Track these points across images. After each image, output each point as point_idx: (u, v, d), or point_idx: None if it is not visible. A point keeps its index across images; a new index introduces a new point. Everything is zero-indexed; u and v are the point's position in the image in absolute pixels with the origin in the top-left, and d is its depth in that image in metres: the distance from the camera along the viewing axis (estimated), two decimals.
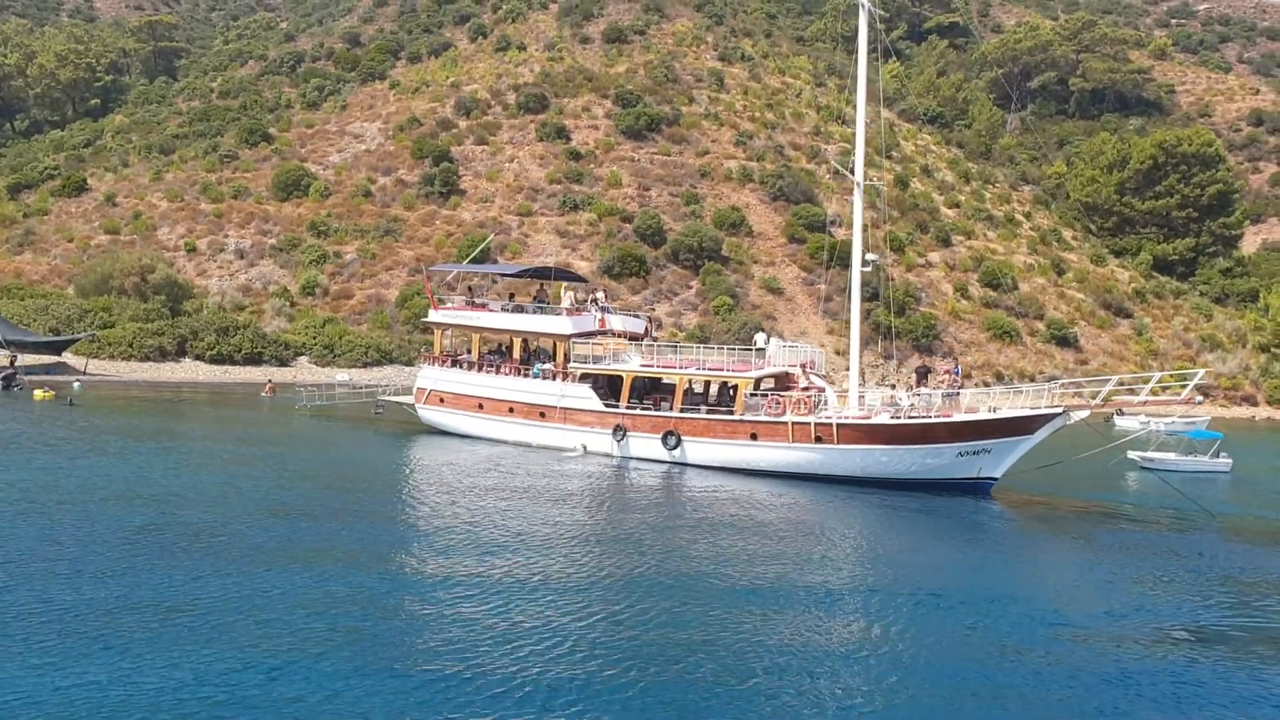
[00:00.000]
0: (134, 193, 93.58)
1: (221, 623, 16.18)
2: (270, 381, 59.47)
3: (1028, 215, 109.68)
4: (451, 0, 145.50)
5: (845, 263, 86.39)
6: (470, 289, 46.90)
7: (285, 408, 51.10)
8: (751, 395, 36.85)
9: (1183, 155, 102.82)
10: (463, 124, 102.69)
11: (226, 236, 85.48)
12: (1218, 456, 42.66)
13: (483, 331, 43.36)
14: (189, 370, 62.66)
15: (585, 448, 38.63)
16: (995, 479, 34.44)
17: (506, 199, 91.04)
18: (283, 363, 67.19)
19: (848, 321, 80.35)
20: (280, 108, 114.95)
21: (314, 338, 70.10)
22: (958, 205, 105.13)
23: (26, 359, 56.91)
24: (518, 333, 42.53)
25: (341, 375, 64.29)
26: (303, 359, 68.74)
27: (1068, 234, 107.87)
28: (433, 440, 41.51)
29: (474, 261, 77.66)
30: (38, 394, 48.88)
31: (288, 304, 75.85)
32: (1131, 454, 43.76)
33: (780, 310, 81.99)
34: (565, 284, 45.41)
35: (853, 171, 39.13)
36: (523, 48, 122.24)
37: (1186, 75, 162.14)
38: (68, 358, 59.96)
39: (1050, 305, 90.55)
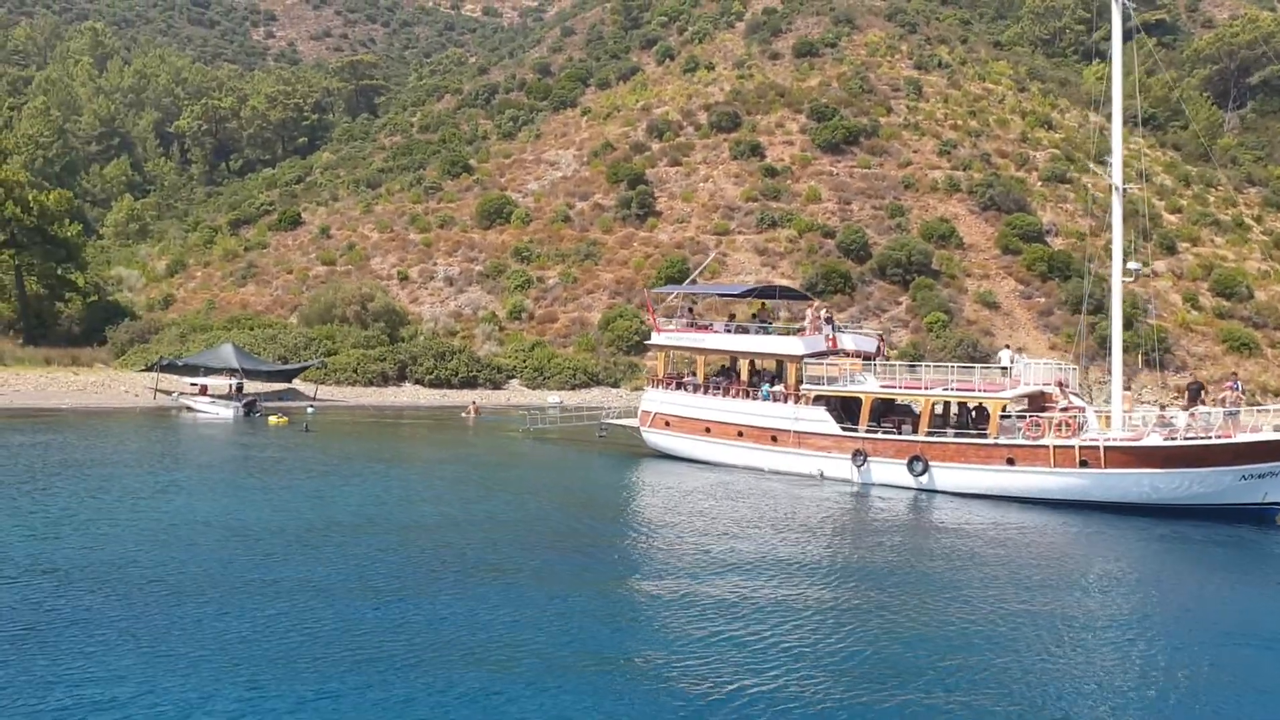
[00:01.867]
0: (346, 225, 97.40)
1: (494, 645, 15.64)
2: (474, 403, 60.05)
3: (1258, 219, 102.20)
4: (638, 25, 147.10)
5: (1064, 274, 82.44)
6: (691, 310, 46.05)
7: (494, 429, 51.68)
8: (1004, 417, 34.64)
9: None
10: (655, 146, 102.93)
11: (435, 265, 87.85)
12: None
13: (708, 353, 42.42)
14: (410, 394, 64.20)
15: (822, 473, 37.05)
16: None
17: (703, 219, 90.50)
18: (496, 385, 68.17)
19: (1070, 336, 76.51)
20: (477, 139, 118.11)
21: (524, 361, 71.01)
22: (1179, 210, 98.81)
23: (259, 386, 59.27)
24: (746, 354, 41.41)
25: (553, 397, 64.68)
26: (514, 381, 69.61)
27: None
28: (660, 464, 40.73)
29: (677, 283, 77.26)
30: (272, 420, 50.63)
31: (496, 328, 77.24)
32: None
33: (997, 325, 78.42)
34: (811, 303, 44.19)
35: (1112, 174, 36.37)
36: (711, 67, 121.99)
37: None
38: (296, 384, 62.22)
39: None
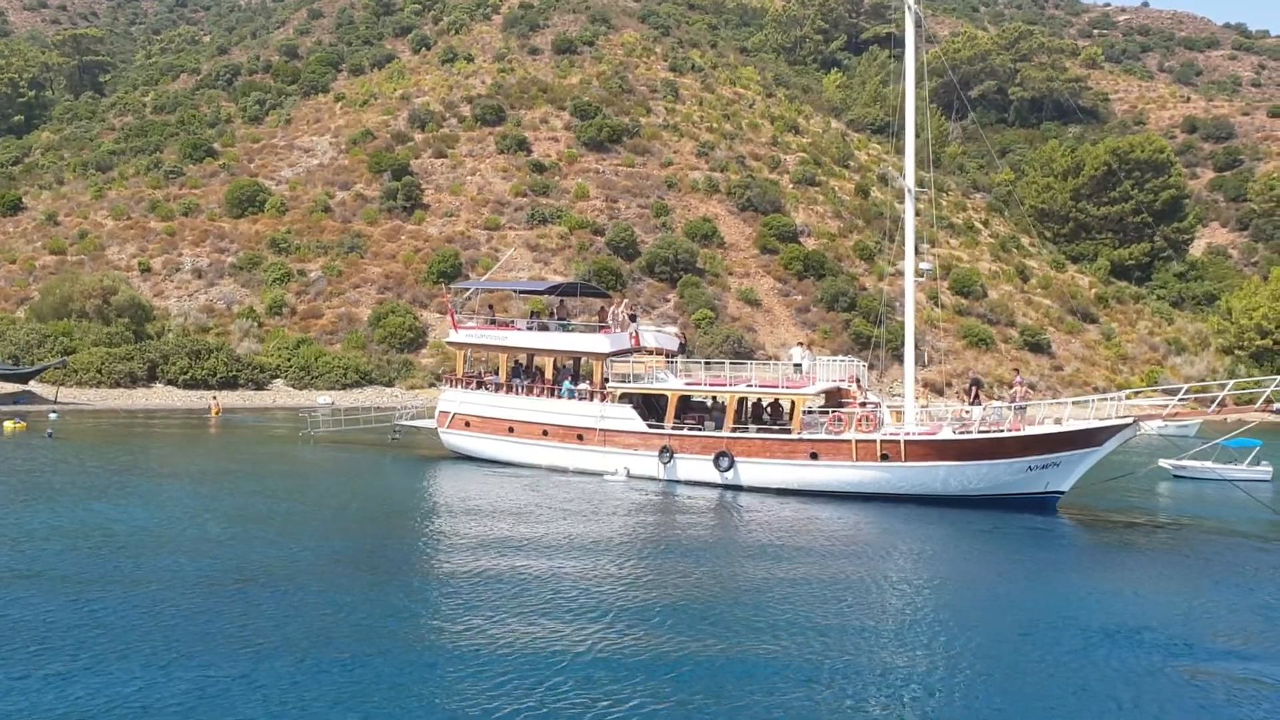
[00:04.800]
0: (76, 211, 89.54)
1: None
2: (215, 399, 56.86)
3: (985, 223, 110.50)
4: (390, 12, 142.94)
5: (819, 273, 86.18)
6: (490, 307, 44.81)
7: (263, 433, 48.94)
8: (806, 412, 35.53)
9: (1135, 161, 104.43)
10: (418, 137, 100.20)
11: (181, 255, 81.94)
12: (1257, 464, 42.17)
13: (511, 351, 41.35)
14: (162, 395, 59.46)
15: (628, 471, 36.86)
16: (1063, 492, 33.58)
17: (472, 213, 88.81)
18: (259, 386, 64.21)
19: (826, 332, 79.89)
20: (220, 122, 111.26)
21: (288, 359, 67.19)
22: (918, 213, 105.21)
23: None
24: (550, 352, 40.64)
25: (323, 398, 61.58)
26: (278, 381, 65.79)
27: (1024, 240, 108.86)
28: (461, 467, 39.42)
29: (449, 278, 75.51)
30: (8, 425, 45.69)
31: (255, 324, 72.72)
32: (1163, 463, 43.27)
33: (759, 321, 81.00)
34: (611, 300, 43.76)
35: (904, 176, 37.97)
36: (471, 59, 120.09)
37: (1119, 84, 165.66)
38: (33, 386, 56.37)
39: (1019, 312, 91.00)
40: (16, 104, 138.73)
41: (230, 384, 62.63)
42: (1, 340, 60.32)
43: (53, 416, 49.17)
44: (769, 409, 38.12)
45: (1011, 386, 36.75)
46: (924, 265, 37.06)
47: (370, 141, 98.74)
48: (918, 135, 38.92)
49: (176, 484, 32.62)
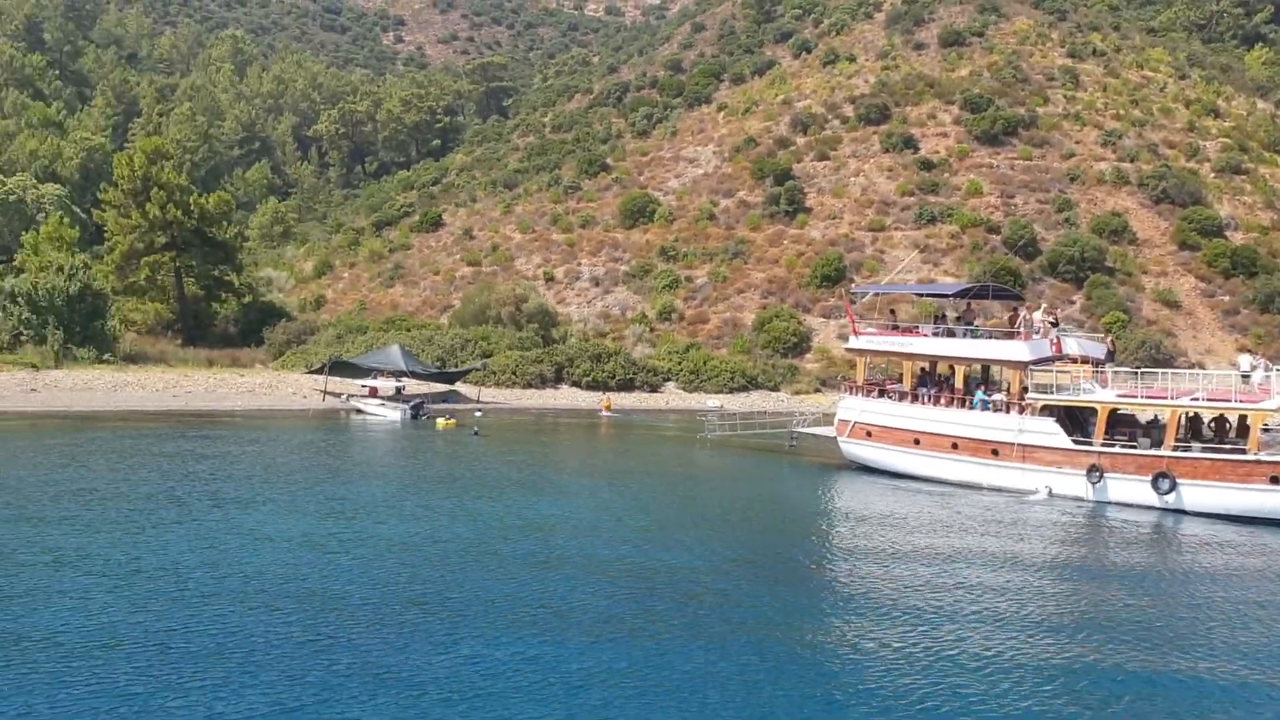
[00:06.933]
0: (487, 226, 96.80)
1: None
2: (607, 397, 59.85)
3: None
4: (771, 19, 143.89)
5: (1249, 270, 77.09)
6: (892, 311, 43.24)
7: (656, 433, 50.34)
8: (1264, 430, 31.15)
9: None
10: (800, 141, 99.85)
11: (580, 265, 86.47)
12: None
13: (915, 358, 39.52)
14: (568, 396, 62.68)
15: (1050, 490, 33.95)
16: None
17: (855, 215, 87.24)
18: (653, 389, 66.17)
19: (1260, 337, 71.18)
20: (612, 138, 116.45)
21: (679, 363, 68.86)
22: None
23: (421, 388, 58.46)
24: (958, 359, 38.40)
25: (711, 401, 62.38)
26: (670, 384, 67.50)
27: None
28: (862, 478, 38.12)
29: (833, 281, 74.49)
30: (440, 422, 49.68)
31: (647, 329, 75.34)
32: None
33: (1178, 325, 73.57)
34: (1024, 304, 41.16)
35: None
36: (852, 59, 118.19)
37: None
38: (459, 386, 61.28)
39: None
40: (434, 129, 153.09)
41: (627, 386, 64.96)
42: (430, 345, 66.04)
43: (478, 415, 53.02)
44: (1211, 425, 33.93)
45: None
46: None
47: (752, 149, 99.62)
48: None
49: (597, 482, 34.66)
